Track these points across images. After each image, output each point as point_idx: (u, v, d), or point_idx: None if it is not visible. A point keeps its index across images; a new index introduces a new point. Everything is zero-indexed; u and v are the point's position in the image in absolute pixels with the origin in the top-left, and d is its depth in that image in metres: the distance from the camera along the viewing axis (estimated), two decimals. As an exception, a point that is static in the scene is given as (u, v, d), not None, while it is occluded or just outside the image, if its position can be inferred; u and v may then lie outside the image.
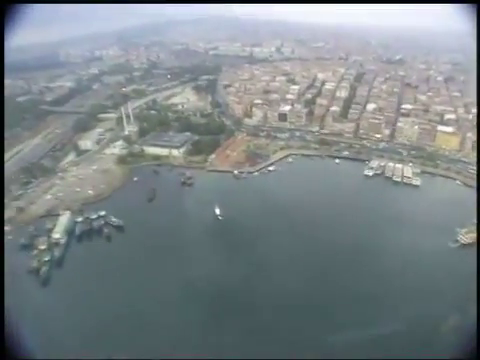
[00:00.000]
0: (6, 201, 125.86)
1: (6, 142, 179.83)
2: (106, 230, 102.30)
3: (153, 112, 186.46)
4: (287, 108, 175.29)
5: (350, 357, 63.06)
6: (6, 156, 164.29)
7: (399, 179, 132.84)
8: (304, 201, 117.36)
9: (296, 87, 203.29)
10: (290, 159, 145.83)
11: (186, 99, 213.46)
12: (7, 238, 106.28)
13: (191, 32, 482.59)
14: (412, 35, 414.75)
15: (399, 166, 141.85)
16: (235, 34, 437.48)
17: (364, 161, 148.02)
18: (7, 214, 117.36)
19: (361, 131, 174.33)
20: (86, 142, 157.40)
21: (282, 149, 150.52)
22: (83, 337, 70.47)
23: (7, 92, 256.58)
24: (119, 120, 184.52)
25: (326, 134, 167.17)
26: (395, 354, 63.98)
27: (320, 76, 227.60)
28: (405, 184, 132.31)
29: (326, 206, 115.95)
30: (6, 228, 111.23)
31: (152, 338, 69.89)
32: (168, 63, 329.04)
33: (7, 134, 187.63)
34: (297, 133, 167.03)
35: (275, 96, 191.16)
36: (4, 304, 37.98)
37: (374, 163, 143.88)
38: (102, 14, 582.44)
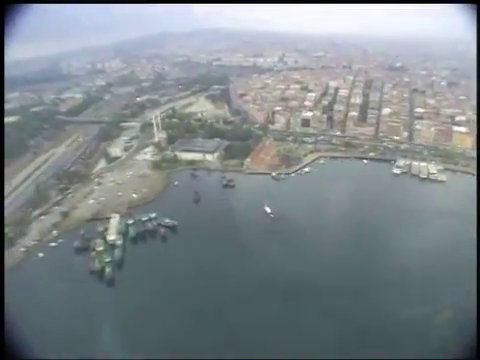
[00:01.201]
0: (47, 207, 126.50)
1: (31, 151, 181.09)
2: (162, 230, 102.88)
3: (175, 120, 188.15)
4: (310, 114, 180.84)
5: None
6: (36, 163, 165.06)
7: (425, 176, 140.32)
8: (344, 198, 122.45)
9: (313, 94, 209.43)
10: (321, 161, 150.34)
11: (203, 108, 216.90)
12: (58, 241, 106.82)
13: (189, 44, 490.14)
14: (406, 43, 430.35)
15: (424, 164, 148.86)
16: (234, 45, 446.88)
17: (389, 161, 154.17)
18: (53, 219, 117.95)
19: (381, 134, 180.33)
20: (115, 149, 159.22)
21: (311, 152, 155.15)
22: (160, 335, 71.45)
23: (18, 103, 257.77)
24: (142, 128, 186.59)
25: (349, 137, 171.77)
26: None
27: (332, 84, 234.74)
28: (432, 180, 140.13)
29: (365, 202, 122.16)
30: (53, 232, 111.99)
31: (235, 333, 71.24)
32: (174, 74, 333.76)
33: (31, 142, 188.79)
34: (321, 137, 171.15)
35: (294, 103, 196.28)
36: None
37: (400, 162, 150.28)
38: (98, 28, 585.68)
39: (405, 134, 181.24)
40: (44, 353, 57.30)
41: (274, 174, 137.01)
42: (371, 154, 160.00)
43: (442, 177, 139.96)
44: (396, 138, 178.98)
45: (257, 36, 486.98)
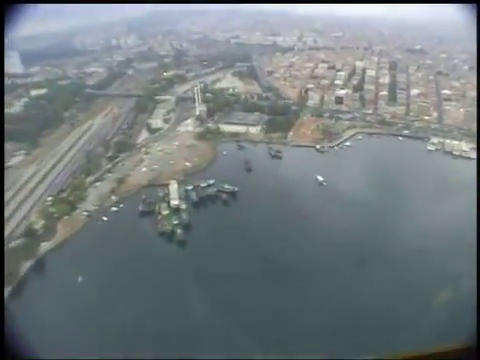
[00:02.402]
0: (99, 174, 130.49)
1: (67, 122, 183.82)
2: (223, 196, 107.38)
3: (209, 95, 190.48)
4: (343, 92, 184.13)
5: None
6: (77, 134, 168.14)
7: (458, 153, 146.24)
8: (386, 169, 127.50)
9: (342, 73, 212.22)
10: (360, 136, 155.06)
11: (232, 84, 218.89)
12: (119, 206, 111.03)
13: (202, 22, 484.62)
14: (420, 26, 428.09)
15: (456, 142, 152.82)
16: (250, 24, 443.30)
17: (423, 139, 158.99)
18: (109, 185, 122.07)
19: (411, 113, 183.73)
20: (156, 121, 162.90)
21: (349, 128, 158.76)
22: (238, 289, 77.76)
23: (43, 77, 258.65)
24: (177, 101, 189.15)
25: (382, 116, 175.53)
26: None
27: (358, 64, 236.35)
28: (464, 157, 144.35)
29: (406, 173, 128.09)
30: (112, 197, 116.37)
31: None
32: (193, 51, 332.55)
33: (65, 114, 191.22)
34: (356, 114, 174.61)
35: (325, 82, 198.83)
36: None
37: (434, 140, 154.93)
38: (105, 5, 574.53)
39: (435, 114, 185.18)
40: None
41: (318, 147, 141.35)
42: (405, 132, 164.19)
43: (473, 155, 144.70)
44: (426, 118, 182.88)
45: (272, 16, 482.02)
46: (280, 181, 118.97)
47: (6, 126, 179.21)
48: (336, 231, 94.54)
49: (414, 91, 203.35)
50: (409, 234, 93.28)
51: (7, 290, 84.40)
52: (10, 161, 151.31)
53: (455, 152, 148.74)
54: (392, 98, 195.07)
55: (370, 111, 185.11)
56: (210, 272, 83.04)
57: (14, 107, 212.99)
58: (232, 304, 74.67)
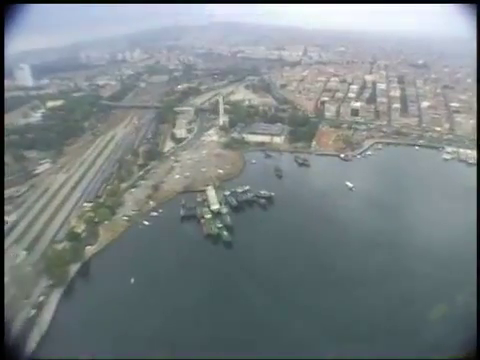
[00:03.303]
0: (132, 181, 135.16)
1: (88, 132, 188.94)
2: (261, 201, 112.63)
3: (227, 107, 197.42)
4: (358, 104, 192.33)
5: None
6: (102, 142, 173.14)
7: (473, 161, 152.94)
8: (408, 176, 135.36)
9: (355, 87, 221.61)
10: (379, 146, 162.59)
11: (246, 96, 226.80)
12: (158, 211, 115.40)
13: (205, 37, 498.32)
14: (419, 41, 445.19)
15: (469, 151, 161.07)
16: (252, 39, 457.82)
17: (437, 148, 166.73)
18: (144, 192, 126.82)
19: (423, 125, 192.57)
20: (181, 131, 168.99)
21: (367, 138, 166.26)
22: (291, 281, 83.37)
23: (56, 89, 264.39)
24: (196, 112, 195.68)
25: (397, 127, 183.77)
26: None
27: (368, 78, 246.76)
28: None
29: (427, 179, 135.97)
30: (150, 203, 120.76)
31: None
32: (201, 65, 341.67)
33: (85, 124, 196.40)
34: (371, 126, 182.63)
35: (340, 94, 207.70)
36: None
37: (449, 149, 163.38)
38: (107, 20, 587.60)
39: (447, 126, 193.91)
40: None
41: (342, 155, 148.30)
42: (420, 141, 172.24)
43: None
44: (438, 129, 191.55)
45: (274, 31, 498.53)
46: (311, 187, 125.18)
47: (27, 135, 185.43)
48: (373, 232, 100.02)
49: (424, 104, 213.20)
50: (439, 232, 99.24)
51: (59, 291, 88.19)
52: (37, 169, 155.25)
53: (469, 160, 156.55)
54: (404, 110, 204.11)
55: (385, 122, 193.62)
56: (258, 269, 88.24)
57: (32, 118, 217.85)
58: (283, 295, 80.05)
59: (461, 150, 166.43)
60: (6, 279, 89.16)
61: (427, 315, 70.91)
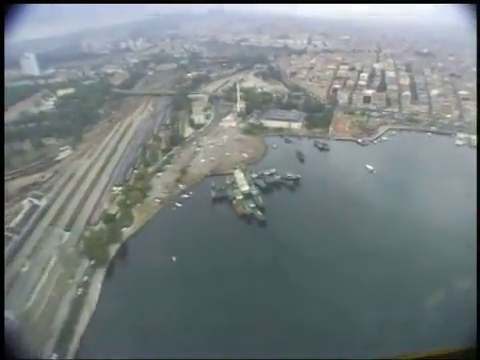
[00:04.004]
0: (158, 165, 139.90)
1: (104, 119, 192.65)
2: (289, 182, 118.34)
3: (240, 93, 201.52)
4: (370, 92, 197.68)
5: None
6: (121, 129, 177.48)
7: None
8: (424, 160, 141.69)
9: (365, 75, 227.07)
10: (393, 132, 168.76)
11: (257, 84, 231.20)
12: (189, 193, 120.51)
13: (206, 25, 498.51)
14: (420, 28, 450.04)
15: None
16: (255, 27, 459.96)
17: (449, 134, 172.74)
18: (173, 175, 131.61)
19: (433, 112, 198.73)
20: (199, 117, 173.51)
21: (381, 125, 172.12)
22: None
23: (66, 77, 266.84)
24: (210, 99, 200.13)
25: (408, 114, 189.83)
26: None
27: (376, 66, 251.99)
28: None
29: (442, 163, 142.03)
30: (180, 186, 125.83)
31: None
32: (206, 53, 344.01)
33: (100, 111, 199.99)
34: (384, 112, 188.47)
35: (351, 82, 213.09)
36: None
37: (460, 135, 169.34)
38: (106, 10, 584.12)
39: (456, 113, 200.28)
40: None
41: (360, 140, 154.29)
42: (432, 128, 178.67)
43: None
44: (448, 116, 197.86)
45: (277, 19, 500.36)
46: (334, 170, 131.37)
47: (44, 123, 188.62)
48: (396, 210, 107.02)
49: (434, 92, 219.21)
50: (457, 211, 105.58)
51: (101, 271, 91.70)
52: (58, 156, 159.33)
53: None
54: (414, 98, 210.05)
55: (396, 109, 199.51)
56: (293, 245, 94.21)
57: (43, 106, 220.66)
58: (319, 267, 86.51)
59: (473, 137, 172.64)
60: (54, 259, 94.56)
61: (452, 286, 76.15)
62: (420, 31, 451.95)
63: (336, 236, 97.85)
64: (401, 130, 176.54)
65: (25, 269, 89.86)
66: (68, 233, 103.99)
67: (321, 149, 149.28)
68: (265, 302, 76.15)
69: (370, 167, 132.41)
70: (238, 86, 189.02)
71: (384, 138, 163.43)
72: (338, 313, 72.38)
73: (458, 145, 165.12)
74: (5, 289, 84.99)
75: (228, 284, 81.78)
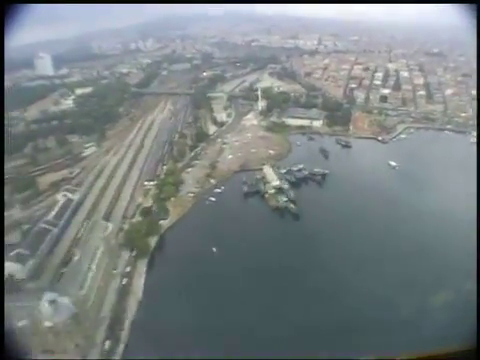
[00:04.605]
0: (186, 161, 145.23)
1: (125, 117, 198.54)
2: (317, 177, 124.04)
3: (257, 92, 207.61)
4: (387, 91, 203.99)
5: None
6: (144, 126, 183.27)
7: None
8: (443, 157, 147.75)
9: (380, 74, 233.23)
10: (411, 130, 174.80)
11: (273, 84, 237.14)
12: (221, 188, 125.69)
13: (214, 27, 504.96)
14: (428, 29, 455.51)
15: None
16: (263, 28, 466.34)
17: (464, 132, 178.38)
18: (202, 171, 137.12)
19: (449, 111, 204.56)
20: (221, 115, 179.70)
21: (399, 123, 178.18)
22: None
23: (81, 77, 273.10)
24: (229, 98, 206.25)
25: (424, 113, 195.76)
26: None
27: (390, 66, 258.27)
28: None
29: (458, 159, 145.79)
30: (211, 181, 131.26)
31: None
32: (217, 54, 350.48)
33: (120, 110, 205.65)
34: (400, 111, 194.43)
35: (367, 82, 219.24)
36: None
37: (475, 133, 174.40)
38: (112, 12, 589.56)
39: (471, 111, 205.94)
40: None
41: (380, 138, 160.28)
42: (449, 126, 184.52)
43: None
44: (463, 115, 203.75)
45: (285, 20, 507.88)
46: (357, 166, 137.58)
47: (65, 121, 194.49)
48: (422, 203, 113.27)
49: (448, 91, 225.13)
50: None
51: (143, 262, 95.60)
52: (84, 152, 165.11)
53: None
54: (429, 97, 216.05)
55: (412, 109, 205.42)
56: (327, 237, 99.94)
57: (63, 104, 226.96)
58: (355, 256, 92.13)
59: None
60: (101, 250, 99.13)
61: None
62: (427, 31, 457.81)
63: (370, 230, 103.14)
64: (418, 128, 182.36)
65: (76, 258, 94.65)
66: (111, 225, 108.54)
67: (343, 146, 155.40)
68: (312, 286, 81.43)
69: (393, 163, 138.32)
70: (259, 86, 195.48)
71: (403, 136, 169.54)
72: (382, 302, 76.44)
73: (473, 143, 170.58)
74: (59, 276, 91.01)
75: (276, 275, 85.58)
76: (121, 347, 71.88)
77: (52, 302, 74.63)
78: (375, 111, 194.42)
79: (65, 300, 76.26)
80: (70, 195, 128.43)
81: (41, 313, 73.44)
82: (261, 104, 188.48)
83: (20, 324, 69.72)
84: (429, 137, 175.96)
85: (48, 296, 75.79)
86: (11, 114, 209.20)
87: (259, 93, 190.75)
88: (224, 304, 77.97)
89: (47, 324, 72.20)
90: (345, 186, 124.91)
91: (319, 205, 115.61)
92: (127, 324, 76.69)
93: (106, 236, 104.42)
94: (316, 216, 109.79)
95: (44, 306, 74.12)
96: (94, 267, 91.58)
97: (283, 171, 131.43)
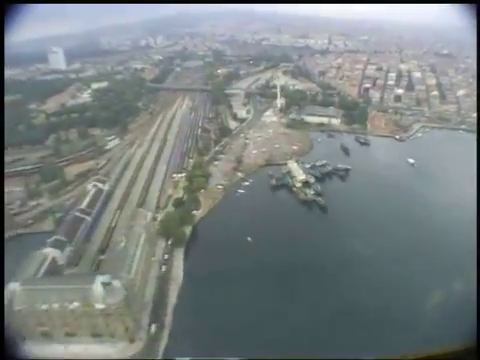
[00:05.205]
0: (211, 154, 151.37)
1: (144, 111, 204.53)
2: (341, 172, 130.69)
3: (274, 90, 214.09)
4: (400, 91, 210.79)
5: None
6: (165, 120, 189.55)
7: None
8: (459, 155, 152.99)
9: (394, 74, 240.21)
10: (427, 129, 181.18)
11: (288, 82, 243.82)
12: (249, 181, 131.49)
13: (222, 25, 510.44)
14: (434, 29, 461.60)
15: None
16: (272, 27, 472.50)
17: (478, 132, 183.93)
18: (229, 164, 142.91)
19: (462, 111, 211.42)
20: (241, 111, 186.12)
21: (414, 122, 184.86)
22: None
23: (96, 71, 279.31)
24: (246, 95, 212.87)
25: (438, 113, 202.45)
26: None
27: (402, 66, 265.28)
28: None
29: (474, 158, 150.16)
30: (238, 174, 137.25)
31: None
32: (229, 51, 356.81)
33: (139, 104, 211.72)
34: (415, 111, 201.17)
35: (381, 82, 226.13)
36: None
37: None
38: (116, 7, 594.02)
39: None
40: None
41: (398, 137, 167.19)
42: (463, 126, 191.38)
43: None
44: (475, 115, 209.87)
45: (294, 19, 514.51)
46: (378, 162, 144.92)
47: (85, 114, 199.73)
48: (442, 196, 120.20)
49: (460, 92, 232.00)
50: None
51: (180, 250, 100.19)
52: (107, 145, 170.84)
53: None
54: (442, 97, 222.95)
55: (426, 108, 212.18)
56: (355, 228, 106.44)
57: (80, 98, 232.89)
58: (385, 244, 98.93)
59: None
60: (143, 237, 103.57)
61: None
62: (432, 32, 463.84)
63: (395, 220, 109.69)
64: (433, 128, 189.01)
65: (122, 244, 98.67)
66: (150, 213, 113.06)
67: (362, 143, 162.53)
68: (351, 274, 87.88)
69: (411, 160, 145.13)
70: (278, 83, 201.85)
71: (419, 135, 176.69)
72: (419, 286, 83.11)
73: None
74: (108, 261, 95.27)
75: (312, 265, 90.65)
76: (166, 332, 75.51)
77: (106, 284, 76.00)
78: (390, 110, 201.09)
79: (117, 283, 77.51)
80: (100, 185, 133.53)
81: (93, 295, 74.74)
82: (280, 101, 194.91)
83: (71, 306, 73.10)
84: (444, 136, 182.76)
85: (101, 278, 77.35)
86: (29, 107, 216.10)
87: (278, 91, 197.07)
88: (264, 293, 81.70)
89: (98, 306, 74.03)
90: (367, 181, 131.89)
91: (344, 199, 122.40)
92: (170, 309, 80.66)
93: (147, 224, 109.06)
94: (343, 208, 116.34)
95: (97, 288, 75.41)
96: (138, 253, 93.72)
97: (307, 166, 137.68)
